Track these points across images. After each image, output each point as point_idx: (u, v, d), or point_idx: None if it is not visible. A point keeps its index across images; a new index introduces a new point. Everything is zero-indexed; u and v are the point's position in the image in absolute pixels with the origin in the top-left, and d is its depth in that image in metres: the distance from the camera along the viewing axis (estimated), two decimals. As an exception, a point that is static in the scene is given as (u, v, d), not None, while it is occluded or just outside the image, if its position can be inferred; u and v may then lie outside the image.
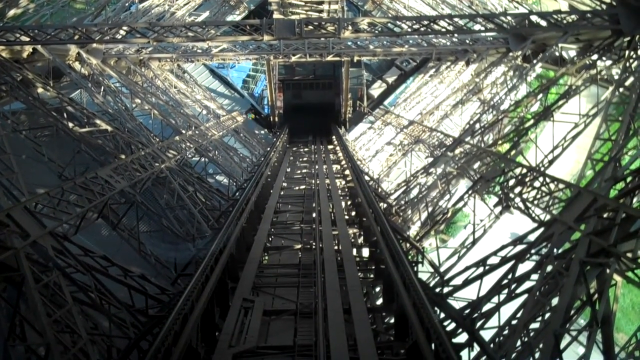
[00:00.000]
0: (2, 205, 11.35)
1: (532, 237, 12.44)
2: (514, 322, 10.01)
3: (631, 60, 17.83)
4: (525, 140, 20.85)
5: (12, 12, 21.64)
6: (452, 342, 9.50)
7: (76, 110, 21.27)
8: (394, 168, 33.87)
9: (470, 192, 19.32)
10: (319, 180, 26.91)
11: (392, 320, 13.37)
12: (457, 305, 11.72)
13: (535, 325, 9.64)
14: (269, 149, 33.77)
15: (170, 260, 19.49)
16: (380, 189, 27.34)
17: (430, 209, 21.60)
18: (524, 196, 15.76)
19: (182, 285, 13.00)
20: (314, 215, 20.98)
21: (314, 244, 17.59)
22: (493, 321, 10.65)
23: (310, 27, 20.34)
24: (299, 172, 32.22)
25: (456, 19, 20.78)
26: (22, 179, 13.30)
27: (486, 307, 10.94)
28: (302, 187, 27.39)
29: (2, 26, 19.75)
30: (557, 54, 23.21)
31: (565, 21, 19.98)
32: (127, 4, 30.69)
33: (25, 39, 19.92)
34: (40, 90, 21.22)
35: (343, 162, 32.00)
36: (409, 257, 15.47)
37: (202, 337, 11.29)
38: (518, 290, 11.07)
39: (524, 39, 24.94)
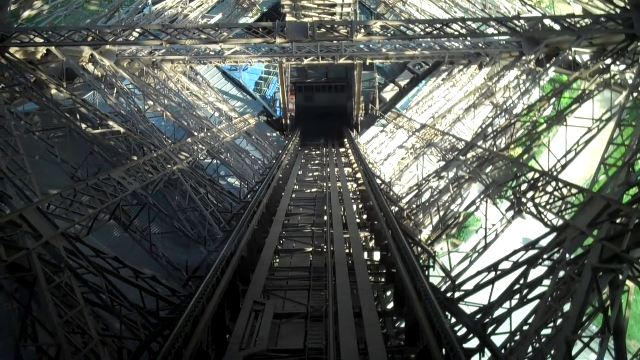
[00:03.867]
0: (15, 206, 11.41)
1: (544, 243, 12.36)
2: (525, 328, 9.96)
3: (645, 65, 17.75)
4: (538, 144, 20.80)
5: (26, 14, 21.75)
6: (463, 348, 9.47)
7: (89, 111, 21.36)
8: (405, 172, 33.83)
9: (482, 196, 19.28)
10: (330, 183, 26.88)
11: (403, 325, 13.33)
12: (468, 310, 11.66)
13: (547, 332, 9.58)
14: (280, 151, 33.78)
15: (181, 262, 19.51)
16: (392, 193, 27.28)
17: (442, 213, 21.55)
18: (537, 201, 15.70)
19: (193, 288, 13.01)
20: (325, 218, 20.97)
21: (325, 247, 17.59)
22: (505, 327, 10.58)
23: (323, 30, 20.36)
24: (310, 175, 32.22)
25: (469, 23, 20.73)
26: (35, 180, 13.37)
27: (498, 313, 10.88)
28: (314, 190, 27.39)
29: (17, 28, 19.87)
30: (570, 58, 23.11)
31: (579, 25, 19.89)
32: (140, 6, 30.81)
33: (39, 40, 20.06)
34: (53, 91, 21.35)
35: (355, 166, 31.99)
36: (421, 261, 15.42)
37: (212, 340, 11.30)
38: (530, 296, 11.00)
39: (537, 43, 24.88)
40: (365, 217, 22.84)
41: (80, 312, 9.69)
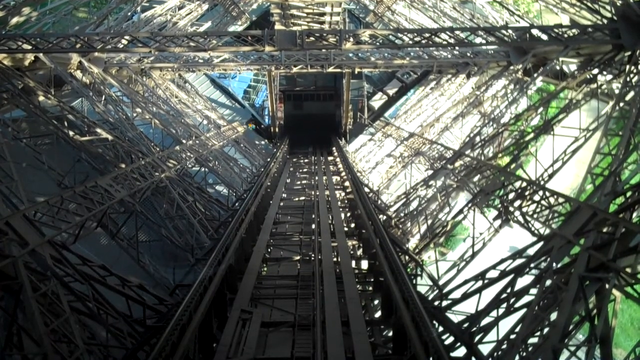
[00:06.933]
0: (1, 213, 11.32)
1: (531, 251, 12.40)
2: (512, 336, 9.97)
3: (632, 75, 17.86)
4: (525, 153, 20.84)
5: (14, 20, 21.63)
6: (451, 356, 9.49)
7: (77, 118, 21.31)
8: (393, 180, 33.87)
9: (469, 205, 19.30)
10: (318, 191, 26.90)
11: (391, 334, 13.33)
12: (455, 318, 11.68)
13: (533, 340, 9.59)
14: (269, 159, 33.76)
15: (169, 270, 19.44)
16: (379, 201, 27.31)
17: (429, 222, 21.56)
18: (524, 210, 15.75)
19: (180, 296, 12.97)
20: (313, 226, 20.98)
21: (313, 255, 17.59)
22: (492, 335, 10.60)
23: (312, 38, 20.39)
24: (298, 183, 32.22)
25: (457, 32, 20.83)
26: (22, 187, 13.30)
27: (485, 321, 10.90)
28: (302, 198, 27.39)
29: (4, 34, 19.79)
30: (557, 67, 23.25)
31: (566, 35, 20.03)
32: (129, 14, 30.76)
33: (27, 47, 19.98)
34: (41, 98, 21.26)
35: (343, 174, 31.99)
36: (408, 269, 15.44)
37: (199, 348, 11.26)
38: (517, 305, 11.03)
39: (524, 52, 25.00)
40: (353, 225, 22.84)
41: (66, 321, 9.62)
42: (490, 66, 30.59)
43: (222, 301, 13.50)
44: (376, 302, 17.09)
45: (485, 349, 10.38)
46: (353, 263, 18.21)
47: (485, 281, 12.39)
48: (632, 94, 17.04)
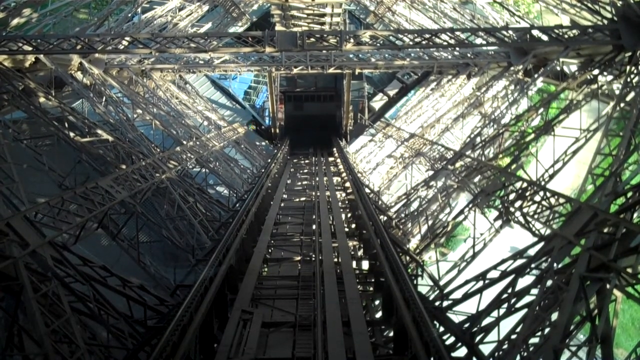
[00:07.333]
0: (2, 214, 11.33)
1: (532, 252, 12.40)
2: (513, 336, 9.96)
3: (632, 76, 17.85)
4: (525, 154, 20.85)
5: (15, 22, 21.63)
6: (452, 357, 9.48)
7: (77, 119, 21.31)
8: (394, 181, 33.85)
9: (470, 205, 19.30)
10: (319, 192, 26.89)
11: (391, 334, 13.33)
12: (456, 319, 11.67)
13: (534, 340, 9.58)
14: (269, 160, 33.76)
15: (169, 271, 19.41)
16: (380, 202, 27.30)
17: (430, 222, 21.56)
18: (524, 210, 15.74)
19: (180, 297, 12.97)
20: (313, 227, 20.97)
21: (313, 256, 17.59)
22: (492, 335, 10.59)
23: (312, 39, 20.38)
24: (299, 183, 32.21)
25: (458, 33, 20.84)
26: (23, 188, 13.29)
27: (486, 321, 10.89)
28: (303, 199, 27.38)
29: (5, 35, 19.79)
30: (558, 68, 23.25)
31: (566, 36, 20.03)
32: (129, 15, 30.76)
33: (27, 48, 19.98)
34: (41, 99, 21.26)
35: (343, 175, 31.99)
36: (409, 270, 15.42)
37: (200, 349, 11.24)
38: (518, 305, 11.02)
39: (525, 53, 25.01)
40: (353, 226, 22.84)
41: (67, 321, 9.63)
42: (491, 67, 30.59)
43: (223, 301, 13.49)
44: (377, 302, 17.09)
45: (486, 349, 10.37)
46: (354, 263, 18.21)
47: (486, 281, 12.38)
48: (632, 94, 17.04)
